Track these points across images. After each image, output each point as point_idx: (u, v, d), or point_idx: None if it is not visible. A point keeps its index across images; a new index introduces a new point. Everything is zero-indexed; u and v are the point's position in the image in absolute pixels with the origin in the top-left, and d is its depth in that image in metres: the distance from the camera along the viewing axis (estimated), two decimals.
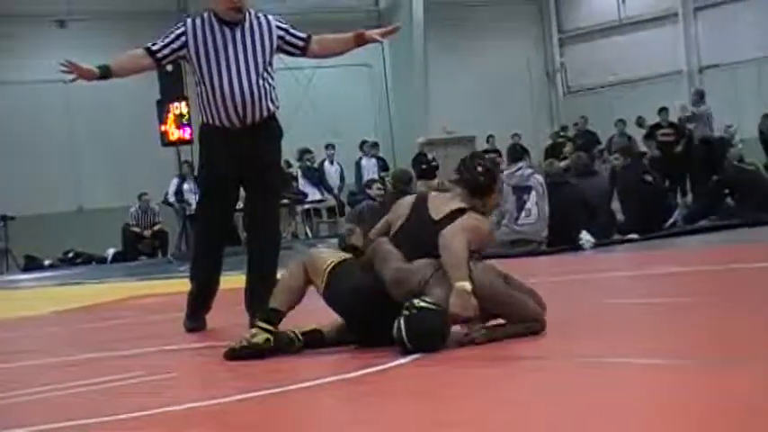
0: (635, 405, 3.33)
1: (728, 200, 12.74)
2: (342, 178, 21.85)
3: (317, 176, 21.41)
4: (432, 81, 25.11)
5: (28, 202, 21.20)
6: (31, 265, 19.90)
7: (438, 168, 21.09)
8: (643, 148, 19.42)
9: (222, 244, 6.55)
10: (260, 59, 6.18)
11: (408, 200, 5.27)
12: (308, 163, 21.19)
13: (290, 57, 6.47)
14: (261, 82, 6.17)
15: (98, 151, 22.45)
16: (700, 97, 19.90)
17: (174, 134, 18.37)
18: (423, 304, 4.69)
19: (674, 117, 20.12)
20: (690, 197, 18.69)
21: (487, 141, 23.39)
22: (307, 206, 21.30)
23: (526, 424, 3.18)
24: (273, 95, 6.27)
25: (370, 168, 21.55)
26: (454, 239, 4.79)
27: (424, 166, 20.78)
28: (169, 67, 16.78)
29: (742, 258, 8.15)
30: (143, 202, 20.42)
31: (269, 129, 6.28)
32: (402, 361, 4.49)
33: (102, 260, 20.10)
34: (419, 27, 24.65)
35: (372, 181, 14.73)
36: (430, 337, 4.65)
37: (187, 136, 18.36)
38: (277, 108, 6.31)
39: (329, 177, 21.74)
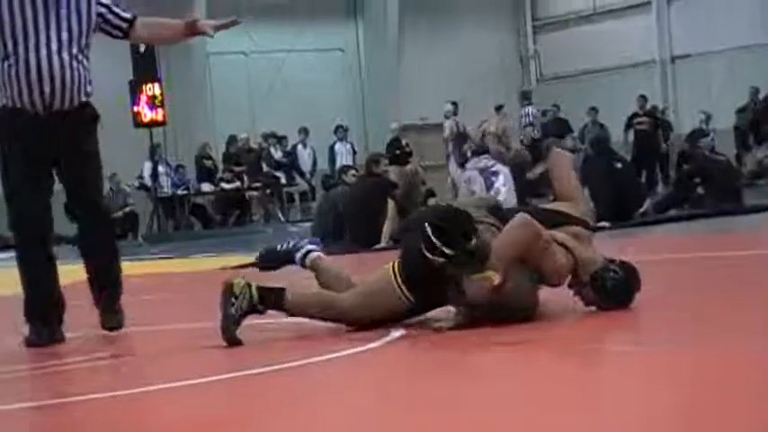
0: (614, 387, 3.42)
1: (699, 189, 12.76)
2: (314, 163, 21.82)
3: (289, 160, 21.35)
4: (405, 66, 25.05)
5: None
6: None
7: (411, 155, 20.98)
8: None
9: (48, 242, 5.76)
10: (75, 37, 5.36)
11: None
12: (272, 148, 21.03)
13: (111, 38, 5.66)
14: (75, 64, 5.37)
15: None
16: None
17: (147, 116, 18.27)
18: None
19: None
20: (660, 186, 18.77)
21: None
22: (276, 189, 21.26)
23: (502, 407, 3.18)
24: (88, 81, 5.49)
25: (344, 153, 21.52)
26: (519, 228, 4.65)
27: (397, 152, 20.68)
28: (142, 48, 16.70)
29: (710, 247, 8.21)
30: (114, 183, 20.31)
31: (80, 116, 5.52)
32: (376, 344, 4.48)
33: (73, 240, 19.92)
34: (393, 12, 24.61)
35: (348, 167, 14.70)
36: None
37: (160, 117, 18.31)
38: (90, 95, 5.54)
39: (302, 162, 21.71)
